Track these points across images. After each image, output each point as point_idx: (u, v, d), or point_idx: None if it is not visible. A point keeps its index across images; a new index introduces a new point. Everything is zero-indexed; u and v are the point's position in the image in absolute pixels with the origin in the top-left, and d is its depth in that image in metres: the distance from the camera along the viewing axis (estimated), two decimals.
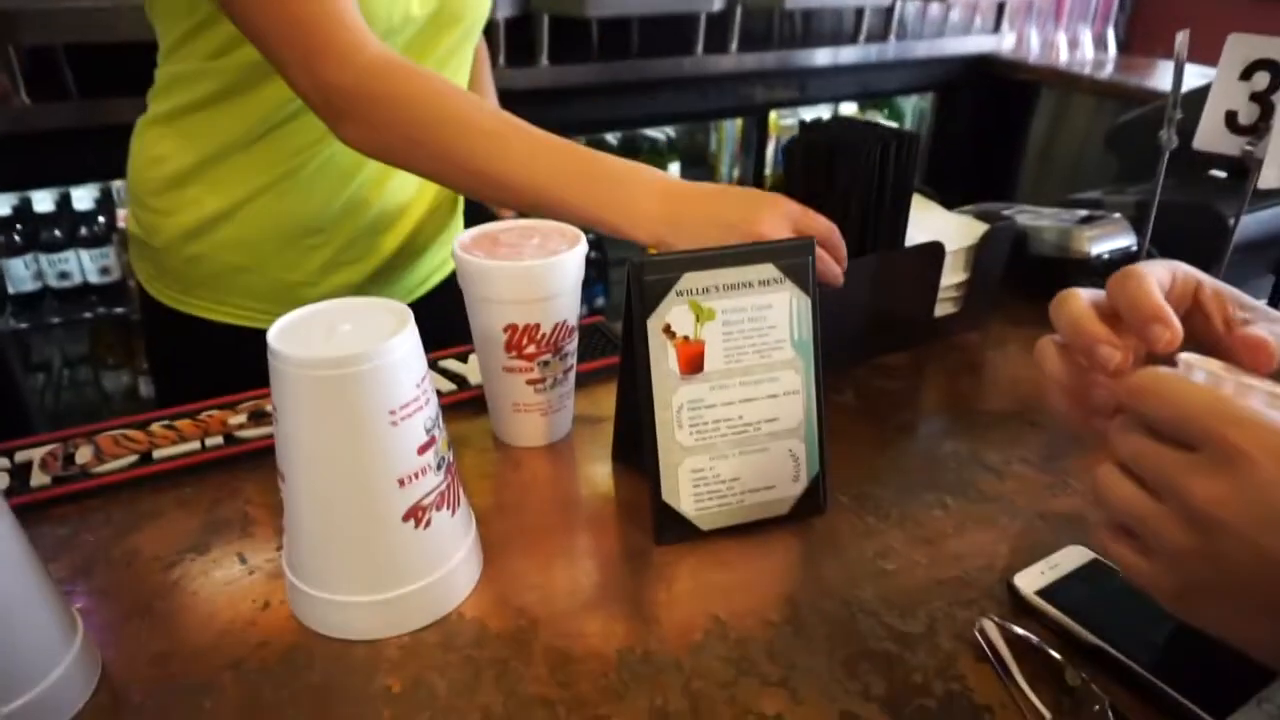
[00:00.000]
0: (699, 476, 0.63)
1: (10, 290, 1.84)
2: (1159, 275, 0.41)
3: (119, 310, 1.87)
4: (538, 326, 0.66)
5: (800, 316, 0.63)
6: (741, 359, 0.63)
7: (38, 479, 0.70)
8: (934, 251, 0.88)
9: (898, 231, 0.86)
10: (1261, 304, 0.43)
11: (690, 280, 0.61)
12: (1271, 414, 0.33)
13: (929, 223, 0.92)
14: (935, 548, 0.63)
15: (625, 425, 0.71)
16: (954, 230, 0.92)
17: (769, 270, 0.62)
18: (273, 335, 0.50)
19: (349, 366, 0.48)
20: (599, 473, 0.72)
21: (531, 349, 0.67)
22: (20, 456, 0.73)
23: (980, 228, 0.94)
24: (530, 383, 0.70)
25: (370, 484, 0.51)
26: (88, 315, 1.87)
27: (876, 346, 0.91)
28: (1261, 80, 0.79)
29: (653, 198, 0.71)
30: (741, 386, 0.63)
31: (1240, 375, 0.38)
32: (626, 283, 0.62)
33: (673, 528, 0.63)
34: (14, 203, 1.83)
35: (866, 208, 0.82)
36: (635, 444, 0.68)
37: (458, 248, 0.66)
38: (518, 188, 0.71)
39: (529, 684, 0.52)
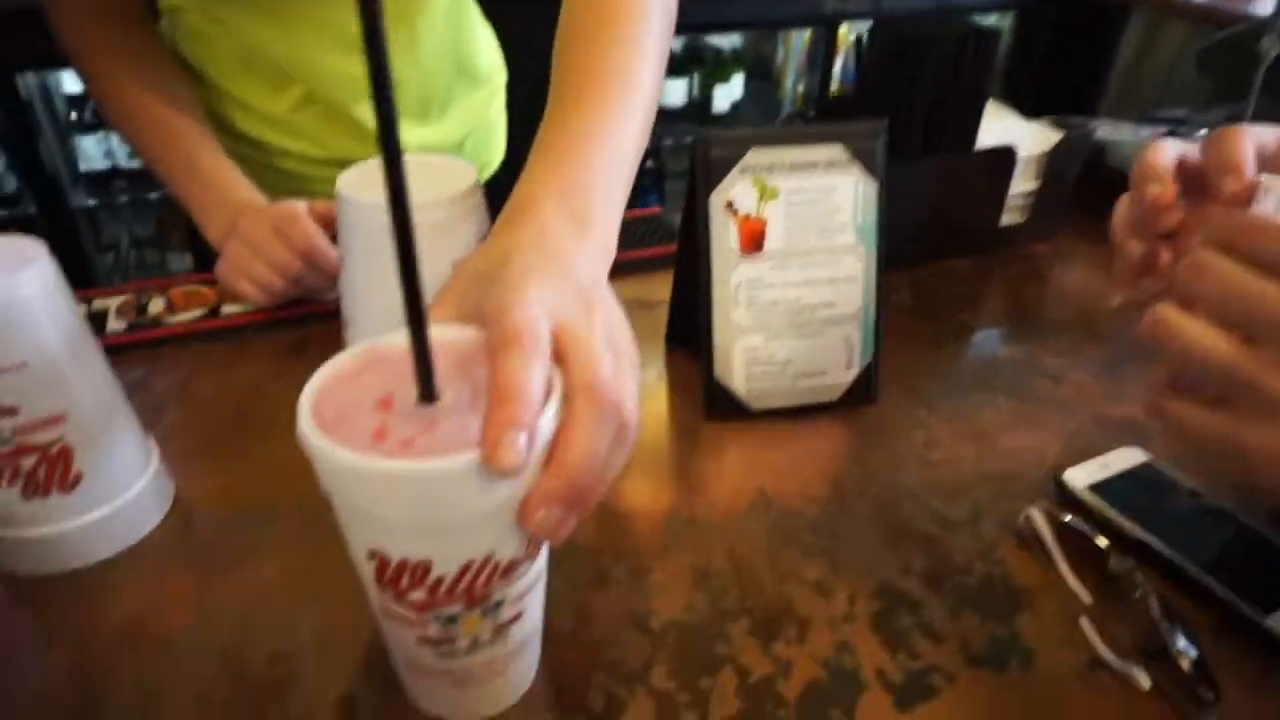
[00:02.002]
0: (753, 356, 0.63)
1: (81, 168, 1.88)
2: (1261, 136, 0.39)
3: None
4: (426, 567, 0.35)
5: (865, 201, 0.62)
6: (803, 241, 0.62)
7: (113, 325, 0.73)
8: (1004, 157, 0.85)
9: (969, 133, 0.83)
10: None
11: (756, 157, 0.60)
12: None
13: (1001, 128, 0.88)
14: (983, 443, 0.63)
15: (681, 306, 0.71)
16: (1027, 137, 0.89)
17: (837, 151, 0.61)
18: (342, 181, 0.51)
19: (418, 214, 0.48)
20: (652, 352, 0.73)
21: (419, 595, 0.36)
22: (97, 304, 0.76)
23: (1054, 135, 0.90)
24: (425, 642, 0.38)
25: None
26: (154, 196, 1.91)
27: (937, 251, 0.89)
28: None
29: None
30: (801, 269, 0.63)
31: None
32: (690, 159, 0.61)
33: (723, 405, 0.64)
34: None
35: (939, 105, 0.80)
36: (690, 325, 0.68)
37: (305, 394, 0.36)
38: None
39: (576, 532, 0.54)
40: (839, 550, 0.53)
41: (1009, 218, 0.91)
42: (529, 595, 0.40)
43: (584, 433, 0.36)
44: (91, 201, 1.89)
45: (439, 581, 0.36)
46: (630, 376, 0.39)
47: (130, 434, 0.52)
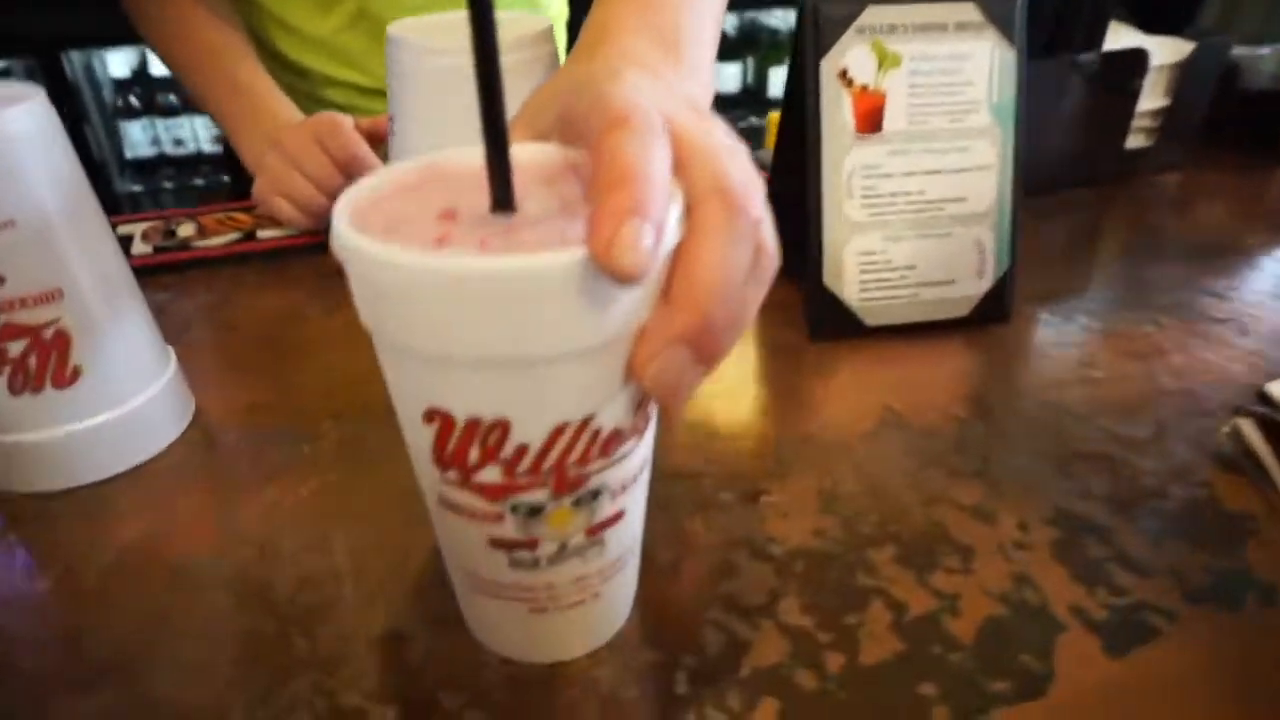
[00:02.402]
0: (868, 260, 0.53)
1: (128, 155, 1.85)
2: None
3: (226, 179, 1.87)
4: (503, 430, 0.26)
5: (1003, 73, 0.52)
6: (928, 120, 0.52)
7: (139, 248, 0.65)
8: (1135, 60, 0.74)
9: (1095, 36, 0.73)
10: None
11: (874, 15, 0.51)
12: None
13: (1126, 41, 0.78)
14: (1152, 361, 0.52)
15: (780, 202, 0.61)
16: (1155, 47, 0.78)
17: (969, 11, 0.51)
18: (393, 29, 0.43)
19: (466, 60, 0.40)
20: None
21: (491, 475, 0.27)
22: (122, 230, 0.68)
23: (1186, 46, 0.79)
24: (498, 546, 0.29)
25: None
26: (199, 183, 1.87)
27: (1056, 178, 0.78)
28: None
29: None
30: (925, 154, 0.53)
31: None
32: (798, 20, 0.52)
33: (831, 320, 0.54)
34: (133, 64, 1.83)
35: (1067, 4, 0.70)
36: (787, 228, 0.58)
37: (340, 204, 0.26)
38: None
39: (666, 452, 0.44)
40: (995, 472, 0.43)
41: (1134, 140, 0.80)
42: (632, 489, 0.30)
43: (718, 246, 0.26)
44: (137, 188, 1.86)
45: (520, 453, 0.26)
46: (762, 201, 0.29)
47: (141, 329, 0.44)
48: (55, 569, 0.38)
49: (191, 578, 0.38)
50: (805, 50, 0.51)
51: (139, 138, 1.83)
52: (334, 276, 0.61)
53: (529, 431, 0.26)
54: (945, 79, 0.52)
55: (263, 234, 0.67)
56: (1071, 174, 0.78)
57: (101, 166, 1.76)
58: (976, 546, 0.38)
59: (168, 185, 1.86)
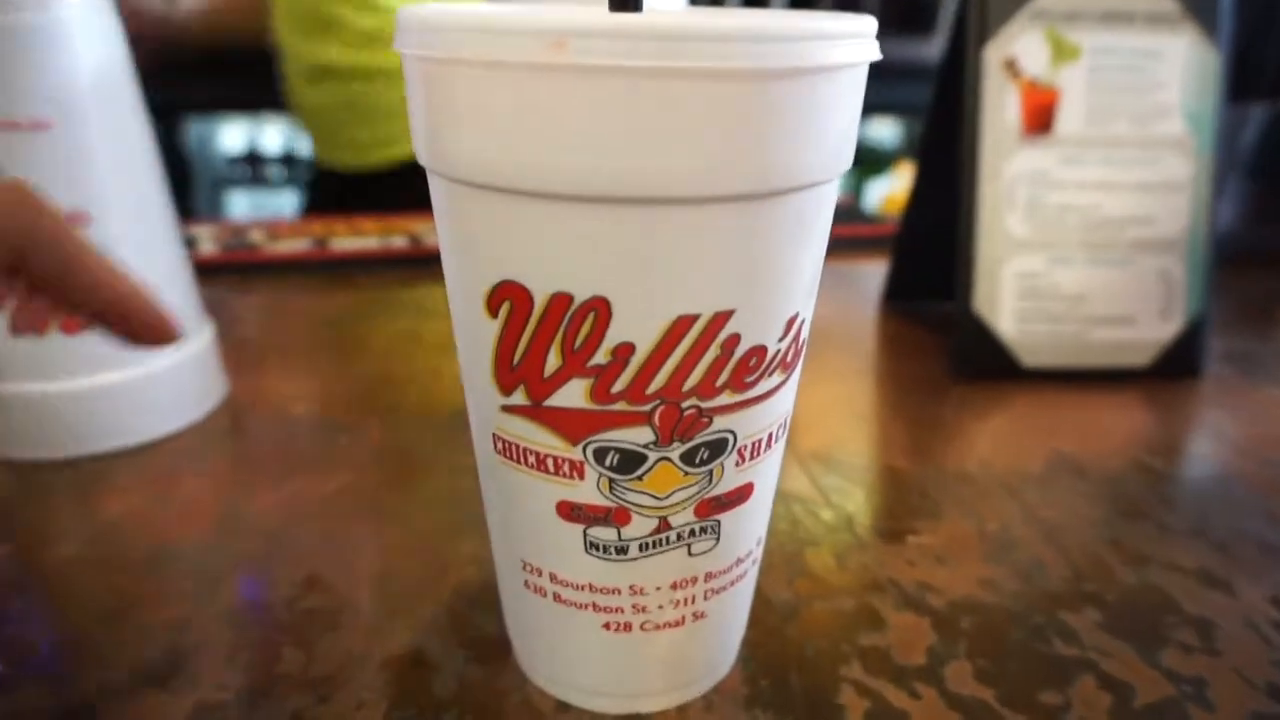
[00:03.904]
0: (1030, 285, 0.44)
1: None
2: None
3: None
4: (601, 316, 0.17)
5: (1201, 77, 0.44)
6: (1109, 124, 0.44)
7: (205, 247, 0.61)
8: None
9: None
10: None
11: None
12: None
13: None
14: None
15: (914, 237, 0.53)
16: None
17: (1165, 1, 0.44)
18: None
19: None
20: (863, 318, 0.55)
21: (576, 394, 0.18)
22: (193, 230, 0.64)
23: None
24: (572, 515, 0.20)
25: None
26: None
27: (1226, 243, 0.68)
28: None
29: None
30: (1104, 165, 0.44)
31: None
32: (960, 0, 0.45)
33: (981, 357, 0.45)
34: (248, 138, 1.90)
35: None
36: (925, 266, 0.50)
37: None
38: None
39: (781, 477, 0.35)
40: (1219, 532, 0.32)
41: None
42: (766, 457, 0.21)
43: None
44: None
45: (620, 357, 0.18)
46: None
47: (176, 281, 0.38)
48: (10, 542, 0.31)
49: (173, 566, 0.30)
50: (966, 33, 0.44)
51: (240, 207, 1.89)
52: (404, 286, 0.55)
53: (637, 322, 0.17)
54: (1132, 78, 0.44)
55: (335, 243, 0.62)
56: (1239, 244, 0.68)
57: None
58: (1217, 621, 0.28)
59: None
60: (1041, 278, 0.44)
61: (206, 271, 0.58)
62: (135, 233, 0.35)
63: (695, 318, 0.18)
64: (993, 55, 0.43)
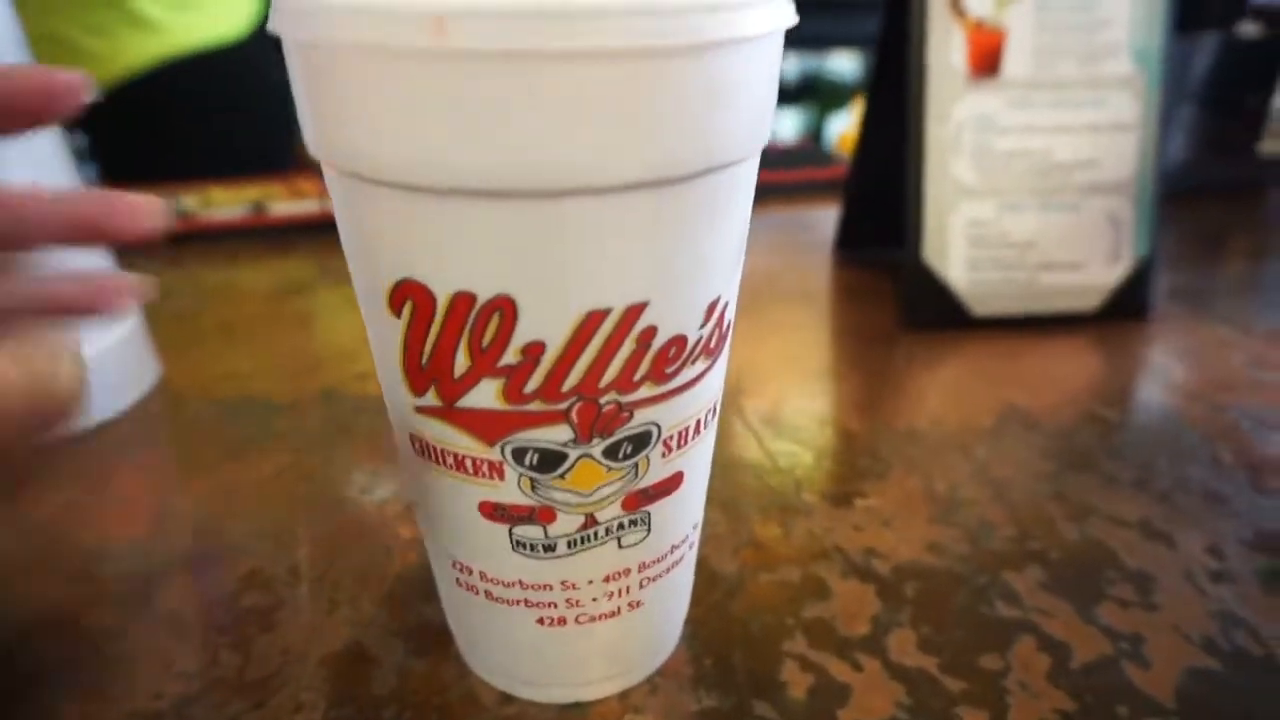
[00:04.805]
0: (979, 233, 0.44)
1: None
2: None
3: None
4: (507, 314, 0.16)
5: (1150, 12, 0.43)
6: (1057, 65, 0.43)
7: None
8: (1272, 48, 0.64)
9: (1233, 9, 0.63)
10: None
11: None
12: None
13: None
14: None
15: (863, 184, 0.52)
16: None
17: None
18: None
19: None
20: (815, 266, 0.54)
21: (488, 394, 0.17)
22: None
23: None
24: (495, 514, 0.19)
25: None
26: None
27: (1172, 181, 0.68)
28: None
29: None
30: (1052, 107, 0.43)
31: None
32: None
33: (931, 307, 0.44)
34: None
35: None
36: (875, 213, 0.49)
37: None
38: None
39: (728, 443, 0.35)
40: (1163, 482, 0.33)
41: (1271, 146, 0.70)
42: (696, 445, 0.20)
43: None
44: None
45: (530, 355, 0.17)
46: None
47: (90, 263, 0.36)
48: None
49: (107, 567, 0.29)
50: None
51: None
52: (339, 258, 0.54)
53: (545, 320, 0.17)
54: (1078, 16, 0.43)
55: (274, 206, 0.60)
56: (1190, 177, 0.67)
57: None
58: (1156, 574, 0.28)
59: None
60: (991, 225, 0.44)
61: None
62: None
63: (607, 312, 0.17)
64: None
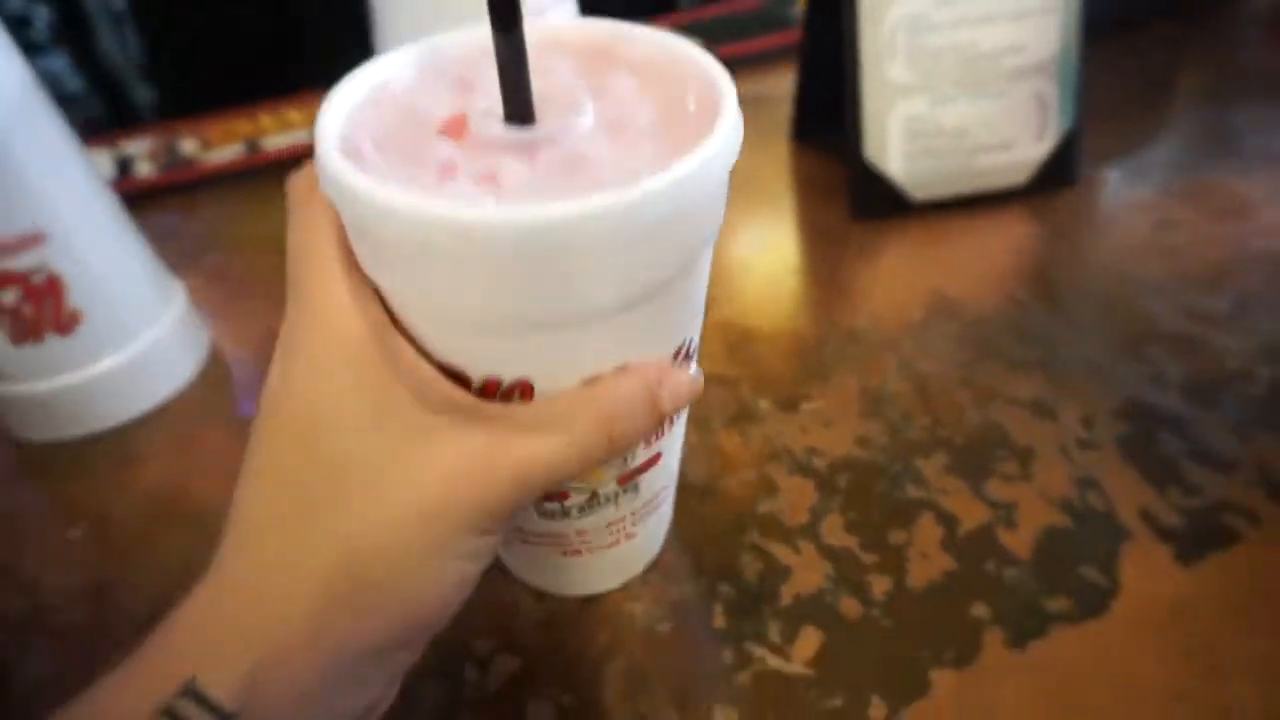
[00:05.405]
0: (914, 126, 0.48)
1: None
2: None
3: None
4: (525, 391, 0.22)
5: None
6: None
7: (143, 169, 0.63)
8: None
9: None
10: None
11: None
12: None
13: None
14: (1239, 221, 0.47)
15: (812, 80, 0.55)
16: None
17: None
18: None
19: None
20: (773, 151, 0.58)
21: None
22: (126, 150, 0.66)
23: None
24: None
25: None
26: None
27: (1126, 10, 0.70)
28: None
29: None
30: (979, 1, 0.46)
31: None
32: None
33: (876, 198, 0.49)
34: None
35: None
36: (824, 107, 0.53)
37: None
38: None
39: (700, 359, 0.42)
40: (1059, 360, 0.39)
41: None
42: (668, 433, 0.27)
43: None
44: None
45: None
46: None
47: (139, 262, 0.42)
48: (85, 519, 0.38)
49: (218, 521, 0.37)
50: None
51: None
52: None
53: (555, 389, 0.22)
54: None
55: (267, 142, 0.64)
56: (1145, 4, 0.69)
57: (116, 77, 1.72)
58: (1037, 447, 0.35)
59: None
60: (925, 119, 0.48)
61: (149, 196, 0.61)
62: (88, 237, 0.39)
63: (600, 374, 0.22)
64: None
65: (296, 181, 0.23)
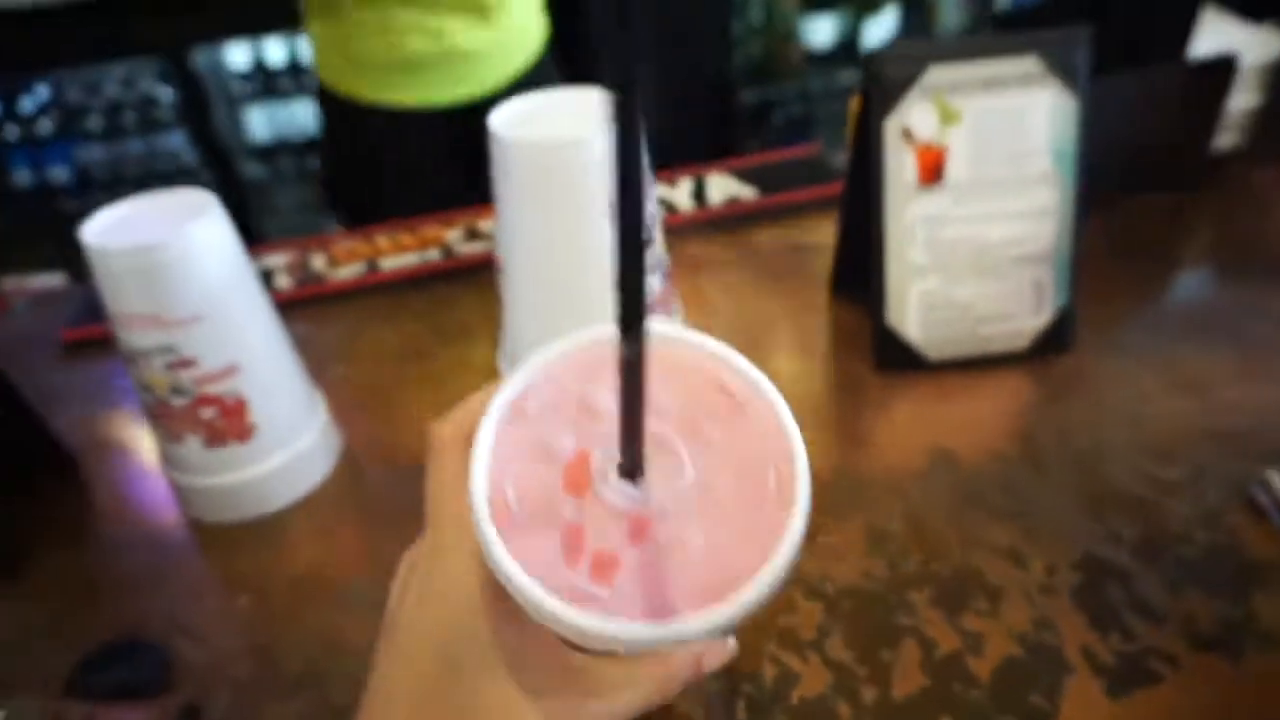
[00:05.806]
0: (929, 300, 0.58)
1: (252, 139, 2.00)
2: None
3: None
4: None
5: (1063, 122, 0.55)
6: (989, 170, 0.56)
7: (281, 283, 0.75)
8: (1221, 70, 0.74)
9: (1178, 42, 0.73)
10: None
11: (937, 74, 0.54)
12: None
13: (1218, 37, 0.77)
14: (1204, 397, 0.55)
15: (848, 247, 0.66)
16: (1251, 44, 0.77)
17: (1031, 64, 0.54)
18: (495, 120, 0.49)
19: (570, 151, 0.46)
20: (815, 301, 0.68)
21: None
22: (264, 262, 0.78)
23: None
24: None
25: (588, 274, 0.50)
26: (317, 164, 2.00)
27: (1134, 184, 0.79)
28: None
29: None
30: (987, 202, 0.56)
31: None
32: (863, 79, 0.56)
33: (895, 355, 0.59)
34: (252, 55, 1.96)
35: (1142, 10, 0.70)
36: (858, 269, 0.63)
37: None
38: None
39: None
40: (1034, 514, 0.48)
41: (1225, 139, 0.80)
42: None
43: None
44: (260, 171, 2.01)
45: None
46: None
47: (299, 385, 0.53)
48: (249, 590, 0.48)
49: (353, 600, 0.47)
50: (870, 109, 0.55)
51: (260, 123, 1.98)
52: (447, 307, 0.69)
53: None
54: (1007, 130, 0.55)
55: (384, 264, 0.76)
56: (1154, 179, 0.78)
57: (227, 152, 1.90)
58: (1006, 589, 0.44)
59: (288, 168, 2.00)
60: (939, 294, 0.58)
61: (286, 307, 0.73)
62: (268, 367, 0.50)
63: None
64: (892, 126, 0.54)
65: (440, 430, 0.27)
